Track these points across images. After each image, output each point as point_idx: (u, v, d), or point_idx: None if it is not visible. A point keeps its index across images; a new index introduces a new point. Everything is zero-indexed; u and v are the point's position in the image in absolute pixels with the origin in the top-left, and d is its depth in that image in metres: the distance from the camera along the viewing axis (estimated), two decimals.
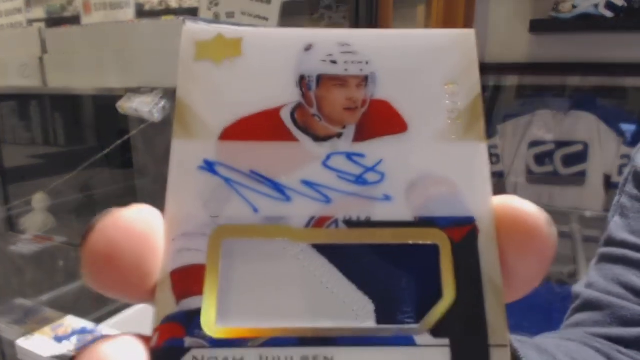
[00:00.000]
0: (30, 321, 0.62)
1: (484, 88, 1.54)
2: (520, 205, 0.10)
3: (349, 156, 0.10)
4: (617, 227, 0.34)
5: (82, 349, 0.09)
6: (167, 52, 0.78)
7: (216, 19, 1.08)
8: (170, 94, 0.81)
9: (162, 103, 0.80)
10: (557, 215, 1.22)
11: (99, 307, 0.88)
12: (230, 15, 1.07)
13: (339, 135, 0.10)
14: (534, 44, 1.44)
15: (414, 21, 1.80)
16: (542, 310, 0.83)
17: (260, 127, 0.10)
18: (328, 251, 0.10)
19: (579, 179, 1.38)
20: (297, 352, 0.09)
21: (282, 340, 0.09)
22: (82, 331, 0.57)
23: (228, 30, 0.11)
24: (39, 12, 2.29)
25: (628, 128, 1.33)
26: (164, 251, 0.10)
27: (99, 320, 0.60)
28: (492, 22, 1.50)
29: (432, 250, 0.10)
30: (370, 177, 0.10)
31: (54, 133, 1.15)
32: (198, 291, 0.09)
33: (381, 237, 0.10)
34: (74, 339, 0.55)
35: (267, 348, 0.09)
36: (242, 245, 0.10)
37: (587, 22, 1.30)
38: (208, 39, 0.11)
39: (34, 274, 1.01)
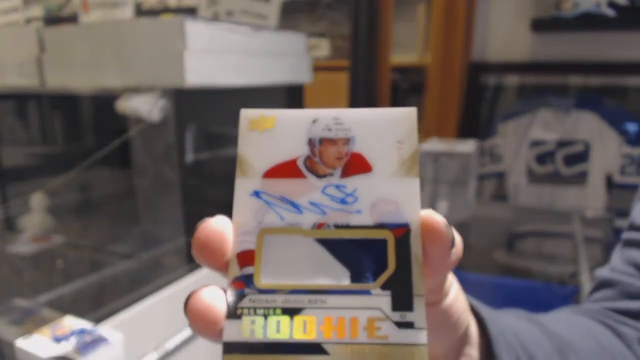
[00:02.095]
0: (29, 321, 0.61)
1: (486, 87, 1.54)
2: (432, 215, 0.16)
3: (337, 187, 0.17)
4: (638, 214, 0.36)
5: (190, 294, 0.15)
6: (166, 52, 0.77)
7: (215, 18, 1.07)
8: (169, 94, 0.80)
9: (161, 102, 0.79)
10: (558, 215, 1.21)
11: (97, 308, 0.88)
12: (230, 14, 1.06)
13: (332, 174, 0.17)
14: (536, 42, 1.44)
15: (415, 20, 1.79)
16: (543, 310, 0.83)
17: (285, 170, 0.17)
18: (324, 242, 0.16)
19: (581, 178, 1.37)
20: (305, 297, 0.15)
21: (297, 291, 0.16)
22: (81, 331, 0.56)
23: (267, 111, 0.18)
24: (36, 11, 2.29)
25: (630, 127, 1.33)
26: (233, 242, 0.16)
27: (97, 321, 0.60)
28: (494, 21, 1.49)
29: (384, 242, 0.16)
30: (349, 199, 0.17)
31: (52, 132, 1.15)
32: (251, 263, 0.16)
33: (355, 234, 0.16)
34: (72, 340, 0.55)
35: (289, 295, 0.16)
36: (275, 239, 0.16)
37: (588, 21, 1.29)
38: (255, 117, 0.18)
39: (32, 274, 1.00)
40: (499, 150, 1.47)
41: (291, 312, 0.15)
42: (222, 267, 0.16)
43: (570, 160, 1.39)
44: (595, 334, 0.30)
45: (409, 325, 0.15)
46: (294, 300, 0.15)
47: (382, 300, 0.15)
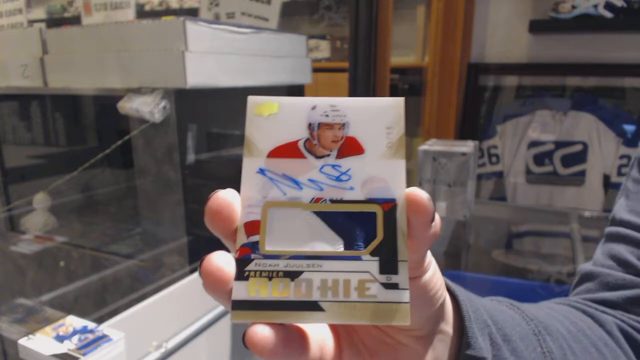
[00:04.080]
0: (32, 320, 0.62)
1: (484, 88, 1.54)
2: (416, 191, 0.18)
3: (333, 166, 0.19)
4: (620, 208, 0.38)
5: (203, 257, 0.17)
6: (167, 53, 0.78)
7: (216, 19, 1.08)
8: (170, 95, 0.81)
9: (163, 103, 0.80)
10: (556, 215, 1.22)
11: (99, 307, 0.88)
12: (231, 15, 1.07)
13: (328, 155, 0.19)
14: (534, 44, 1.45)
15: (414, 22, 1.80)
16: None
17: (287, 150, 0.19)
18: (321, 215, 0.18)
19: (578, 179, 1.38)
20: (304, 262, 0.17)
21: (298, 256, 0.17)
22: (83, 330, 0.57)
23: (272, 98, 0.19)
24: (39, 13, 2.30)
25: (627, 128, 1.33)
26: (240, 213, 0.18)
27: (99, 321, 0.60)
28: (492, 23, 1.50)
29: (373, 214, 0.18)
30: (344, 177, 0.18)
31: (54, 133, 1.15)
32: (257, 232, 0.18)
33: (348, 208, 0.18)
34: (75, 339, 0.55)
35: (290, 259, 0.17)
36: (278, 211, 0.18)
37: (586, 23, 1.30)
38: (261, 102, 0.20)
39: (35, 274, 1.01)
40: (498, 151, 1.48)
41: (292, 274, 0.17)
42: (230, 234, 0.18)
43: (568, 160, 1.40)
44: (575, 320, 0.31)
45: (394, 286, 0.17)
46: (294, 265, 0.17)
47: (371, 264, 0.17)
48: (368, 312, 0.17)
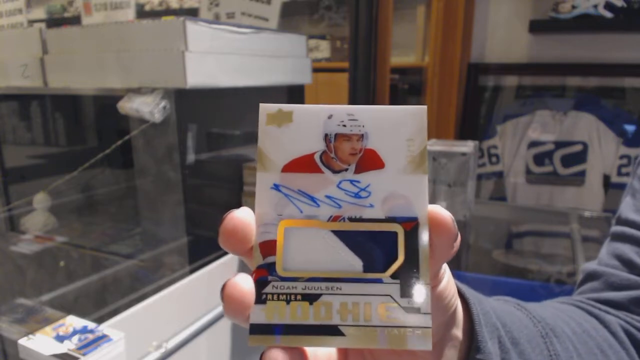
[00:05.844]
0: (32, 320, 0.62)
1: (484, 88, 1.54)
2: (440, 211, 0.17)
3: (352, 182, 0.18)
4: (625, 207, 0.38)
5: (226, 282, 0.17)
6: (167, 53, 0.78)
7: (216, 19, 1.08)
8: (170, 95, 0.81)
9: (163, 103, 0.80)
10: (556, 215, 1.22)
11: (99, 307, 0.88)
12: (231, 15, 1.07)
13: (346, 170, 0.18)
14: (534, 44, 1.45)
15: (414, 22, 1.80)
16: None
17: (303, 164, 0.18)
18: (340, 234, 0.17)
19: (579, 179, 1.38)
20: (323, 284, 0.17)
21: (316, 279, 0.17)
22: (83, 330, 0.57)
23: (285, 106, 0.18)
24: (39, 13, 2.30)
25: (627, 128, 1.33)
26: (255, 232, 0.17)
27: (99, 321, 0.60)
28: (492, 23, 1.50)
29: (394, 234, 0.17)
30: (363, 194, 0.18)
31: (54, 133, 1.15)
32: (273, 253, 0.17)
33: (367, 227, 0.17)
34: (75, 339, 0.55)
35: (308, 282, 0.17)
36: (294, 230, 0.17)
37: (586, 23, 1.30)
38: (273, 111, 0.18)
39: (35, 274, 1.01)
40: (498, 151, 1.48)
41: (310, 297, 0.17)
42: (246, 252, 0.17)
43: (568, 160, 1.39)
44: (581, 321, 0.31)
45: (416, 310, 0.17)
46: (312, 287, 0.17)
47: (392, 287, 0.17)
48: (389, 336, 0.16)
